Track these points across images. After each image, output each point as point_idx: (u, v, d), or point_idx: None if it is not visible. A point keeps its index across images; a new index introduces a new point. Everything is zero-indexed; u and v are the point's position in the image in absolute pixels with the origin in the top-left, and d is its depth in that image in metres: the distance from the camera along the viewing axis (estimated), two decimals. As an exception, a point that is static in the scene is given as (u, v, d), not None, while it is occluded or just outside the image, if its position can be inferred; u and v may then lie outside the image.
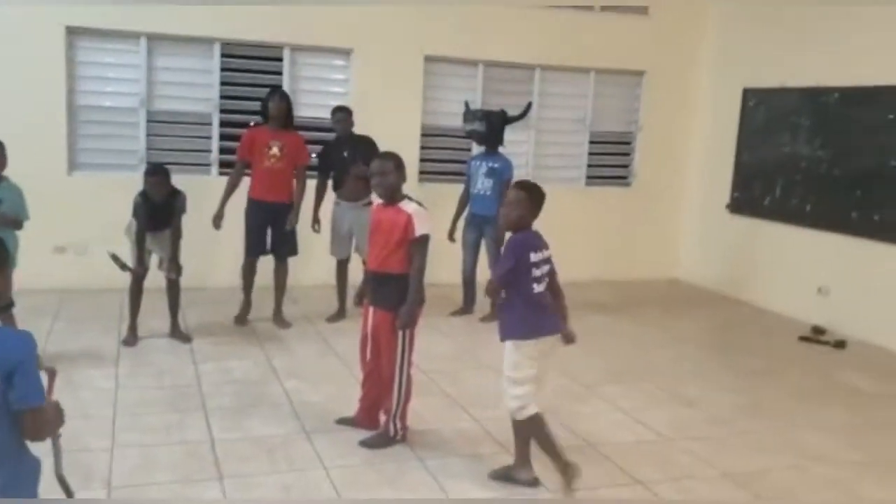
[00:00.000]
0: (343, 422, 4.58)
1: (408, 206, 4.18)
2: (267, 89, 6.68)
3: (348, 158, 6.58)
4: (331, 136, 6.91)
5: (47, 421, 2.34)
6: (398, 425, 4.34)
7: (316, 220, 6.77)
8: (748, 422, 5.02)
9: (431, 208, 7.54)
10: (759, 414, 5.19)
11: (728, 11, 8.73)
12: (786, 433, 4.87)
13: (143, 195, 5.73)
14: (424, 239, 4.14)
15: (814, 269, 7.61)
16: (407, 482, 3.95)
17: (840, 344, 6.90)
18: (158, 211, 5.75)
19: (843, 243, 7.32)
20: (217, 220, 6.36)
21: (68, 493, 2.77)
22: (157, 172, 5.76)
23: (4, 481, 2.25)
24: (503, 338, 3.87)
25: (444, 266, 7.53)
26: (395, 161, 4.23)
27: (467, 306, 7.29)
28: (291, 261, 6.62)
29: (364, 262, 5.09)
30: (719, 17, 8.86)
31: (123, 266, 5.71)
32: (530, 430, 3.88)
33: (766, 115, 8.23)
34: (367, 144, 6.57)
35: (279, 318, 6.59)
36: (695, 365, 6.22)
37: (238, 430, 4.47)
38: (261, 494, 3.76)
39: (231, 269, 6.66)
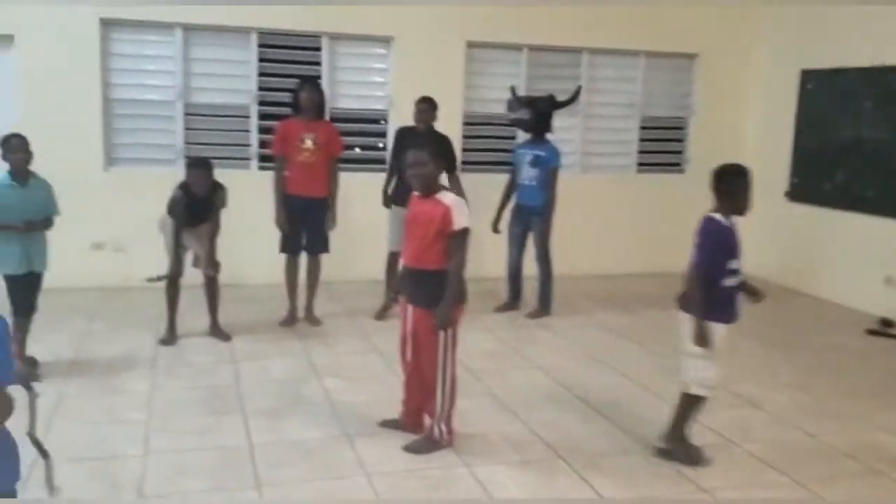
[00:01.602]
0: (387, 424, 4.36)
1: (445, 198, 3.92)
2: (307, 80, 6.48)
3: None
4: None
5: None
6: (443, 429, 4.11)
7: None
8: (814, 423, 4.69)
9: (475, 199, 7.28)
10: (825, 414, 4.85)
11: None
12: (856, 435, 4.53)
13: (184, 188, 5.56)
14: (464, 232, 3.89)
15: (880, 258, 7.19)
16: (453, 490, 3.73)
17: (911, 338, 6.52)
18: (197, 205, 5.59)
19: (912, 231, 6.91)
20: (281, 222, 6.13)
21: (43, 452, 2.62)
22: (201, 165, 5.57)
23: None
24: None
25: (489, 259, 7.28)
26: (431, 151, 4.00)
27: (513, 301, 7.02)
28: (339, 256, 6.38)
29: None
30: (775, -6, 8.44)
31: (159, 278, 5.68)
32: (696, 407, 4.09)
33: (826, 97, 7.81)
34: (444, 142, 6.32)
35: (310, 316, 6.38)
36: (754, 361, 5.87)
37: (276, 432, 4.28)
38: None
39: (270, 265, 6.48)
